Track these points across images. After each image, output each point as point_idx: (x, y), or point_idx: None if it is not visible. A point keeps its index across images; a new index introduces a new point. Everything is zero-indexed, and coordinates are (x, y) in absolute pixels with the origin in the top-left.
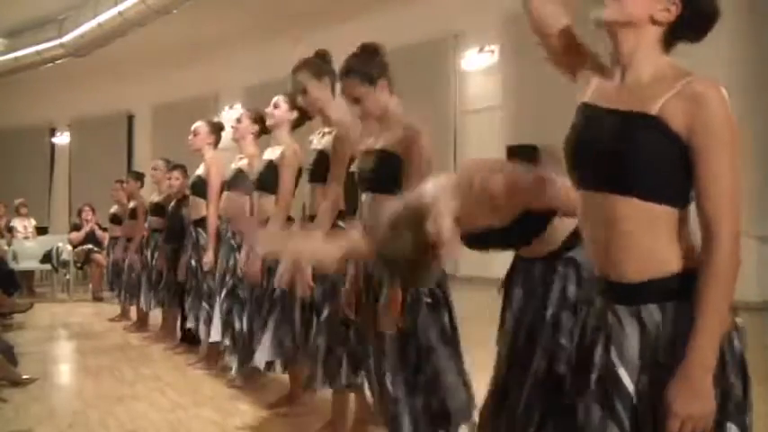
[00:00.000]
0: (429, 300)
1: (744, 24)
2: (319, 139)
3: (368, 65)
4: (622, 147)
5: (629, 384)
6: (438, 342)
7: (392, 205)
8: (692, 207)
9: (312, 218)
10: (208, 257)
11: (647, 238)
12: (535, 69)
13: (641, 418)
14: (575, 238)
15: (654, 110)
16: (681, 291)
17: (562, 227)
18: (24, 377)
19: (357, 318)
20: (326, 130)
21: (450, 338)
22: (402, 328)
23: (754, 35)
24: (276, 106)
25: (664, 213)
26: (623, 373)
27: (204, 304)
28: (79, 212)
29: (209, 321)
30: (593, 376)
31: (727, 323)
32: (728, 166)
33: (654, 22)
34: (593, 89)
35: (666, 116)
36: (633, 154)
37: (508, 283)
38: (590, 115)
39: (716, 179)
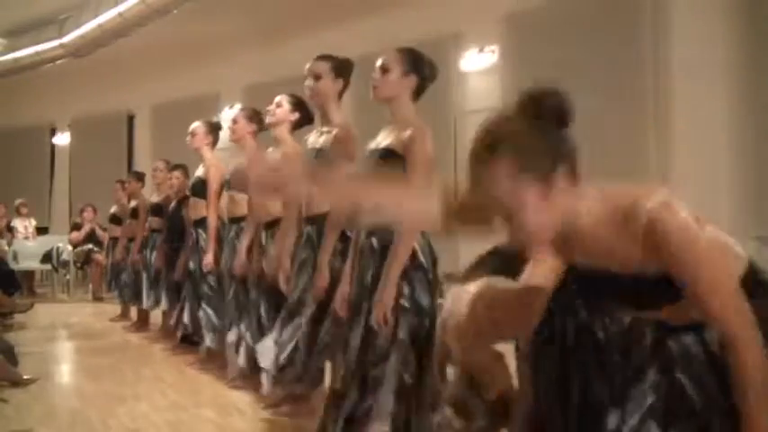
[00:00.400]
0: (407, 304)
1: (742, 26)
2: (316, 138)
3: (417, 59)
4: (629, 302)
5: (698, 401)
6: (395, 347)
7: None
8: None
9: (309, 218)
10: (207, 259)
11: (687, 312)
12: (535, 69)
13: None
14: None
15: (633, 270)
16: None
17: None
18: (25, 377)
19: (348, 316)
20: (324, 129)
21: (410, 347)
22: (386, 324)
23: (752, 36)
24: (279, 105)
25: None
26: (691, 390)
27: (204, 306)
28: (81, 212)
29: (209, 323)
30: (649, 401)
31: None
32: (709, 272)
33: (551, 186)
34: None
35: (644, 267)
36: (641, 302)
37: None
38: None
39: (704, 286)
